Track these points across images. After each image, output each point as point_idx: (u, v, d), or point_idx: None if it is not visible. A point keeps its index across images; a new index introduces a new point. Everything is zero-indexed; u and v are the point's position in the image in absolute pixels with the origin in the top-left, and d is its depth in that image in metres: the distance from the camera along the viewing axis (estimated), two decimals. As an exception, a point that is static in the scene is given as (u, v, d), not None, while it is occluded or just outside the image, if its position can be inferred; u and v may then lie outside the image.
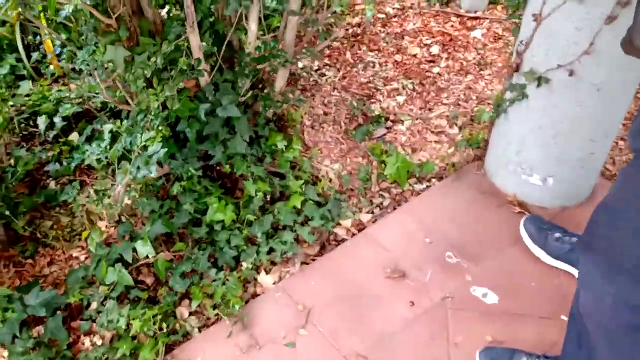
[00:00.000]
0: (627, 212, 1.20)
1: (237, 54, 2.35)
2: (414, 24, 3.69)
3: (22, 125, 2.63)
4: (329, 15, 2.42)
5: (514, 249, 2.14)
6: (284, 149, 2.39)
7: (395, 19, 3.77)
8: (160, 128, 1.98)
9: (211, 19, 2.21)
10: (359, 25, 3.70)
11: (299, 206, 2.16)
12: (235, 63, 2.44)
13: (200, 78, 2.21)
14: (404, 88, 3.06)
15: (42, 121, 2.57)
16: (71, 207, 2.26)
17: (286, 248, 2.07)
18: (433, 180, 2.48)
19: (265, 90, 2.44)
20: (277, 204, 2.21)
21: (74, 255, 2.11)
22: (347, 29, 3.69)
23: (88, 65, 2.00)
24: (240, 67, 2.24)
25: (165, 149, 1.82)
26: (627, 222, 1.19)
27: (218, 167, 2.35)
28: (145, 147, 1.88)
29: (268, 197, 2.25)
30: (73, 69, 2.08)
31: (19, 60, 2.95)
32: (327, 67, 3.25)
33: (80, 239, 2.09)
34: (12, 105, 2.68)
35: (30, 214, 2.23)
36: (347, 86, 3.06)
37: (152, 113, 1.97)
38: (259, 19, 2.20)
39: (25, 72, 2.95)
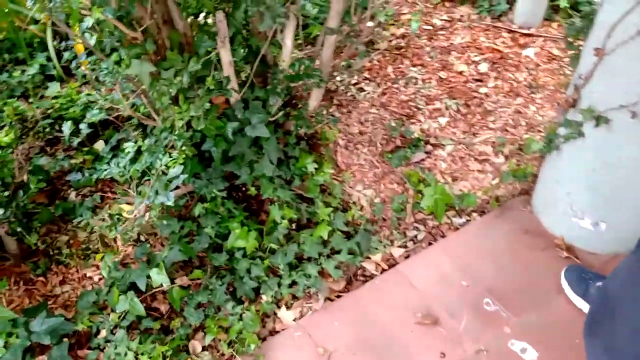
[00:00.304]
0: (627, 309, 1.21)
1: (270, 69, 2.22)
2: (462, 38, 3.48)
3: (47, 129, 2.55)
4: (372, 29, 2.25)
5: (559, 298, 1.94)
6: (314, 172, 2.24)
7: (443, 32, 3.57)
8: (183, 148, 1.86)
9: (244, 33, 2.08)
10: (403, 36, 3.52)
11: (325, 237, 2.01)
12: (268, 79, 2.31)
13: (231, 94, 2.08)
14: (447, 109, 2.86)
15: (67, 127, 2.48)
16: (88, 222, 2.16)
17: (310, 282, 1.92)
18: (474, 214, 2.28)
19: (298, 108, 2.30)
20: (303, 232, 2.06)
21: (88, 274, 2.01)
22: (390, 41, 3.51)
23: (112, 77, 1.89)
24: (272, 85, 2.10)
25: (185, 175, 1.69)
26: (627, 320, 1.20)
27: (244, 188, 2.22)
28: (165, 169, 1.76)
29: (294, 224, 2.11)
30: (97, 79, 1.98)
31: (49, 59, 2.89)
32: (367, 81, 3.08)
33: (95, 258, 1.98)
34: (37, 108, 2.61)
35: (47, 227, 2.15)
36: (387, 103, 2.88)
37: (176, 133, 1.85)
38: (296, 33, 2.06)
39: (55, 72, 2.88)
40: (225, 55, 1.94)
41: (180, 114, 1.84)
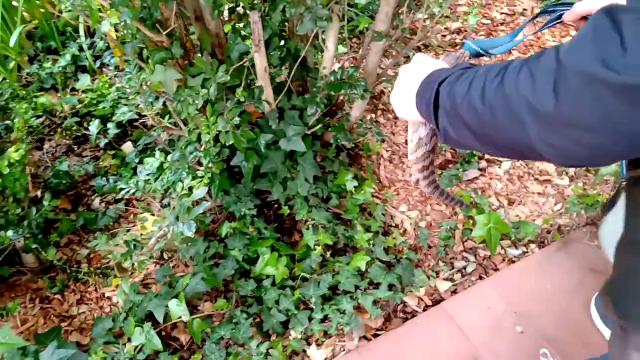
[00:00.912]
0: None
1: (310, 73, 2.00)
2: (525, 35, 3.16)
3: (74, 127, 2.42)
4: (426, 30, 1.99)
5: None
6: (354, 190, 2.03)
7: (503, 27, 3.26)
8: (210, 165, 1.67)
9: (282, 35, 1.87)
10: (458, 31, 3.22)
11: (363, 268, 1.80)
12: (307, 84, 2.09)
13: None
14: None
15: (94, 126, 2.34)
16: (112, 233, 2.02)
17: (344, 319, 1.72)
18: (532, 245, 2.03)
19: (339, 118, 2.08)
20: (339, 259, 1.86)
21: (107, 294, 1.87)
22: (443, 36, 3.22)
23: (135, 82, 1.72)
24: (312, 93, 1.88)
25: (208, 202, 1.50)
26: None
27: (275, 205, 2.03)
28: (188, 191, 1.58)
29: (329, 250, 1.91)
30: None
31: (82, 49, 2.75)
32: (416, 82, 2.82)
33: (112, 283, 1.84)
34: (66, 103, 2.47)
35: (68, 237, 2.02)
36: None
37: (203, 148, 1.67)
38: (340, 28, 1.83)
39: (87, 63, 2.74)
40: (260, 61, 1.73)
41: (207, 127, 1.66)
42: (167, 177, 1.66)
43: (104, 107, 2.45)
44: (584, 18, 1.01)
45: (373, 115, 2.50)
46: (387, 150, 2.35)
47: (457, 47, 3.06)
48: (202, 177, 1.63)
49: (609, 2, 0.60)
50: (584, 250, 1.98)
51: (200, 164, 1.73)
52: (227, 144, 1.66)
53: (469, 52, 1.00)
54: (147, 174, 1.87)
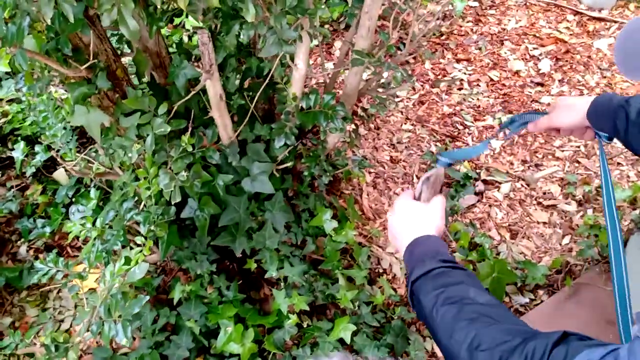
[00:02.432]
0: None
1: (276, 93, 1.64)
2: (517, 21, 2.82)
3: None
4: (417, 43, 1.64)
5: None
6: (334, 232, 1.70)
7: (493, 12, 2.91)
8: (152, 229, 1.32)
9: (241, 53, 1.50)
10: (444, 17, 2.86)
11: (348, 339, 1.49)
12: (273, 108, 1.74)
13: (222, 133, 1.52)
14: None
15: (19, 150, 1.94)
16: (41, 292, 1.67)
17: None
18: (540, 291, 1.75)
19: (312, 148, 1.73)
20: (318, 326, 1.55)
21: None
22: (427, 21, 2.86)
23: (52, 123, 1.34)
24: (280, 122, 1.53)
25: (146, 295, 1.16)
26: None
27: (240, 255, 1.70)
28: (124, 270, 1.23)
29: (305, 313, 1.60)
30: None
31: None
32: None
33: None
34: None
35: (-14, 299, 1.65)
36: (425, 117, 2.29)
37: (142, 209, 1.31)
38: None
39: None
40: (213, 88, 1.36)
41: (147, 182, 1.30)
42: (96, 248, 1.30)
43: (31, 124, 2.03)
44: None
45: (352, 127, 2.16)
46: (369, 172, 2.02)
47: (443, 38, 2.70)
48: (143, 246, 1.28)
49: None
50: (598, 297, 1.71)
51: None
52: (174, 202, 1.31)
53: (444, 166, 1.04)
54: (82, 217, 1.51)
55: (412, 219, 0.93)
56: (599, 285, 1.75)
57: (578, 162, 2.12)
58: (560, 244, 1.86)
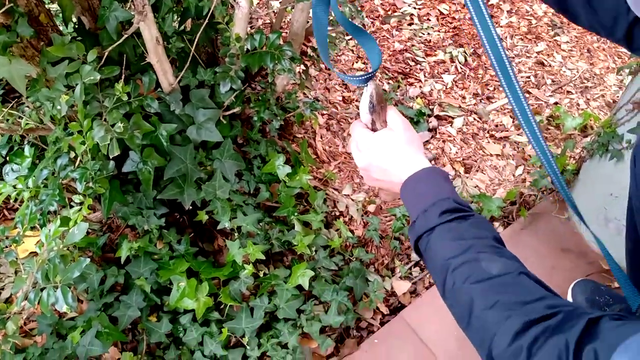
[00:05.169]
0: None
1: (219, 35, 1.53)
2: None
3: None
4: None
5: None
6: (288, 178, 1.64)
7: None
8: (90, 187, 1.23)
9: (176, -11, 1.37)
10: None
11: (306, 285, 1.46)
12: (217, 51, 1.63)
13: (162, 80, 1.41)
14: (452, 61, 2.22)
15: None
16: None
17: (287, 355, 1.40)
18: (495, 224, 1.76)
19: (262, 91, 1.65)
20: (275, 274, 1.51)
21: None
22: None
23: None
24: (224, 66, 1.43)
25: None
26: None
27: (191, 207, 1.62)
28: (62, 232, 1.15)
29: (262, 263, 1.56)
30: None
31: None
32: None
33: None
34: None
35: None
36: (376, 55, 2.22)
37: (78, 166, 1.21)
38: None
39: None
40: (148, 31, 1.25)
41: (81, 136, 1.19)
42: (29, 210, 1.19)
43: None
44: None
45: (302, 68, 2.06)
46: (322, 114, 1.95)
47: None
48: (81, 204, 1.19)
49: None
50: (553, 226, 1.74)
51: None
52: (112, 156, 1.21)
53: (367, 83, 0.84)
54: (16, 178, 1.40)
55: (391, 152, 0.81)
56: (554, 214, 1.77)
57: (529, 92, 2.12)
58: (514, 175, 1.87)
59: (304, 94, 2.00)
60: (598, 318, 0.57)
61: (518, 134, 1.98)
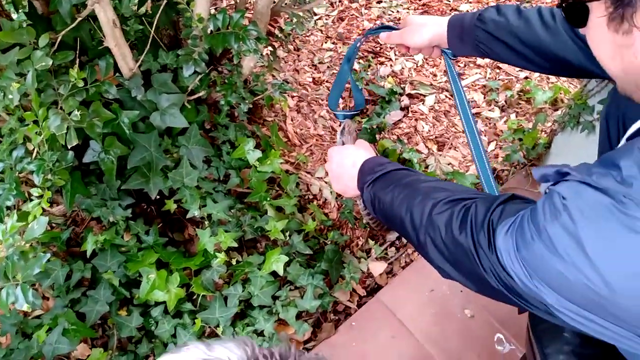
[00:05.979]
0: None
1: (181, 16, 1.47)
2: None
3: None
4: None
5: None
6: (259, 162, 1.60)
7: None
8: (49, 178, 1.17)
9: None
10: None
11: (281, 271, 1.43)
12: (178, 32, 1.57)
13: (121, 65, 1.35)
14: (422, 37, 2.19)
15: None
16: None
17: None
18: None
19: (228, 73, 1.60)
20: (249, 261, 1.48)
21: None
22: None
23: None
24: (186, 48, 1.37)
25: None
26: None
27: (159, 196, 1.57)
28: (21, 226, 1.10)
29: (234, 251, 1.52)
30: None
31: None
32: (316, -2, 2.32)
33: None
34: None
35: None
36: (346, 34, 2.17)
37: (34, 158, 1.16)
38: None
39: None
40: (104, 13, 1.19)
41: (37, 126, 1.13)
42: (-15, 205, 1.14)
43: None
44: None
45: (270, 49, 2.01)
46: (292, 97, 1.91)
47: None
48: (40, 197, 1.13)
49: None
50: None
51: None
52: (70, 146, 1.16)
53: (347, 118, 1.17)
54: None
55: (348, 156, 1.00)
56: (526, 188, 1.77)
57: (499, 68, 2.10)
58: (487, 151, 1.86)
59: (273, 76, 1.95)
60: (517, 197, 0.70)
61: (489, 110, 1.97)
